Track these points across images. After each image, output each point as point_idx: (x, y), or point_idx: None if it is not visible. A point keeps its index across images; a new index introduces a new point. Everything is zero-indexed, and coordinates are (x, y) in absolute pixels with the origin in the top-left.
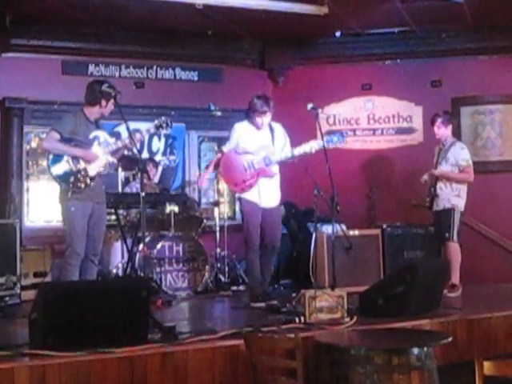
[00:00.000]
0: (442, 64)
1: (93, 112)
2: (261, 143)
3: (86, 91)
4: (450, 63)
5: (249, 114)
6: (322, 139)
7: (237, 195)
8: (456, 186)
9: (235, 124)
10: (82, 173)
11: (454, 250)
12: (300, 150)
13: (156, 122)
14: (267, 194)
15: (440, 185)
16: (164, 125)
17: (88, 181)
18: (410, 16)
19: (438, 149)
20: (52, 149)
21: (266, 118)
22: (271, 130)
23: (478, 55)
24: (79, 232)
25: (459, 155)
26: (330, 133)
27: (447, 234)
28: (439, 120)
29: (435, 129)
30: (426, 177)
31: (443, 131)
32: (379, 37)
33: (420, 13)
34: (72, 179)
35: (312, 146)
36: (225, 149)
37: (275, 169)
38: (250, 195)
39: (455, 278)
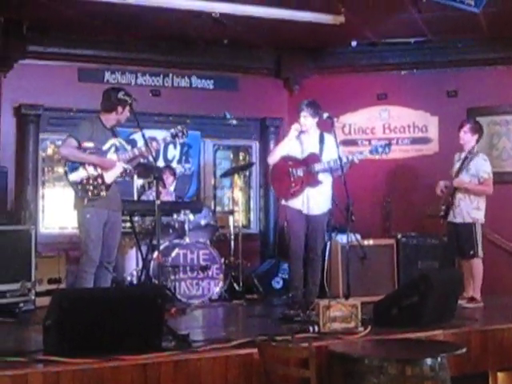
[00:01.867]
0: (457, 74)
1: (109, 119)
2: (308, 151)
3: (102, 98)
4: (466, 73)
5: None
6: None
7: (282, 202)
8: (474, 197)
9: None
10: (99, 180)
11: (478, 265)
12: (344, 160)
13: (172, 130)
14: (311, 202)
15: (459, 195)
16: (180, 134)
17: (104, 188)
18: (427, 26)
19: (457, 156)
20: (69, 156)
21: (304, 119)
22: (322, 140)
23: (493, 65)
24: (94, 239)
25: (482, 166)
26: (345, 142)
27: (472, 252)
28: (467, 126)
29: (461, 133)
30: (442, 185)
31: (469, 137)
32: (395, 46)
33: (436, 23)
34: (88, 187)
35: (356, 157)
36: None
37: (322, 177)
38: (294, 203)
39: (477, 294)
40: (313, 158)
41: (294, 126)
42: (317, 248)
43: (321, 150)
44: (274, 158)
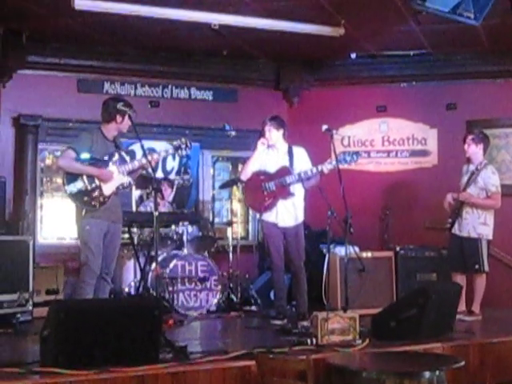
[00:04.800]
0: (457, 87)
1: (110, 129)
2: (279, 165)
3: (102, 108)
4: (466, 86)
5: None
6: (336, 161)
7: (257, 217)
8: (482, 211)
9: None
10: (97, 192)
11: (482, 280)
12: (313, 170)
13: (175, 143)
14: (284, 214)
15: (466, 208)
16: (183, 146)
17: (102, 200)
18: (426, 38)
19: (465, 168)
20: (67, 167)
21: (269, 133)
22: (290, 154)
23: (493, 78)
24: (94, 250)
25: (489, 179)
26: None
27: (477, 266)
28: (469, 137)
29: (465, 146)
30: (449, 198)
31: (473, 149)
32: (395, 59)
33: (436, 35)
34: (86, 198)
35: (325, 166)
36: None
37: (294, 189)
38: (268, 216)
39: (476, 307)
40: (284, 171)
41: (261, 140)
42: (297, 260)
43: (290, 162)
44: (246, 174)
